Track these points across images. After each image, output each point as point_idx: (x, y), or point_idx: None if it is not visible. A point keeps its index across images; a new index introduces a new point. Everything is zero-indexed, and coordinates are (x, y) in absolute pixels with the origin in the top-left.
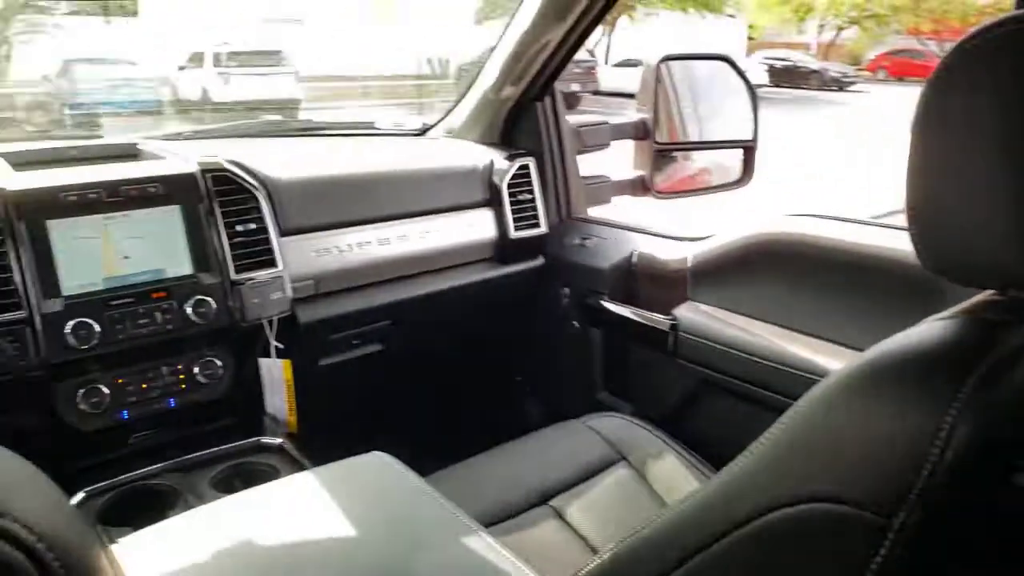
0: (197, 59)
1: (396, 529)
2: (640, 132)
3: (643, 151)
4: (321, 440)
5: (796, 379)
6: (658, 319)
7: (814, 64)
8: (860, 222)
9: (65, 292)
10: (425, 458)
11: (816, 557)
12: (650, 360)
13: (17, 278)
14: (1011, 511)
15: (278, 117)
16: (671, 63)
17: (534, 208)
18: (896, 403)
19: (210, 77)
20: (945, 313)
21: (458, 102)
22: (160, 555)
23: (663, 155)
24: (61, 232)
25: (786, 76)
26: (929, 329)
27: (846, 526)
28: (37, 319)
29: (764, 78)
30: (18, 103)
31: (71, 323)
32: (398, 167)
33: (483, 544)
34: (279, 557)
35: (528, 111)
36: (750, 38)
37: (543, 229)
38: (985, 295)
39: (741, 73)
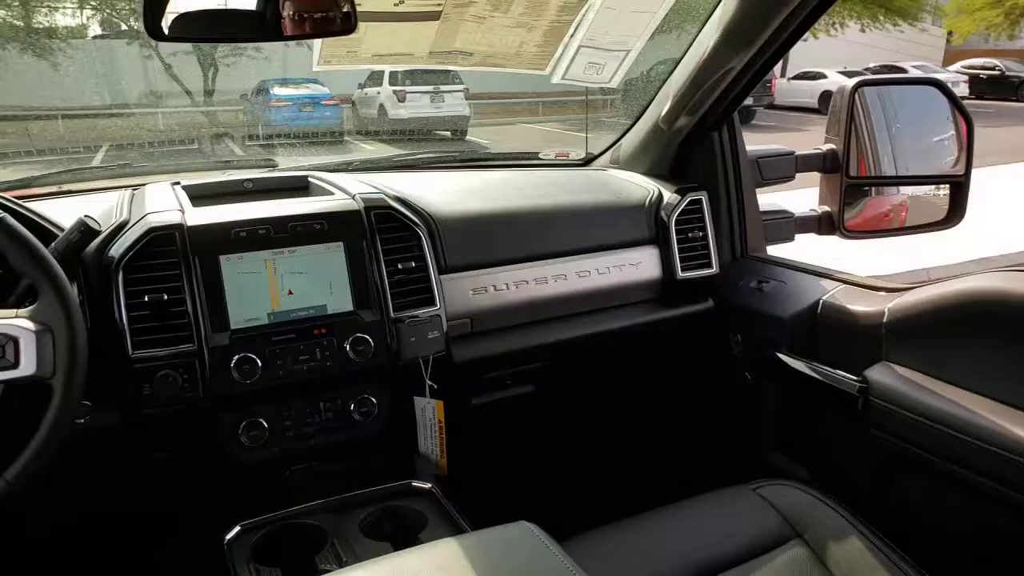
0: (376, 78)
1: None
2: (829, 164)
3: (832, 185)
4: (470, 483)
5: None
6: (846, 379)
7: None
8: None
9: (232, 326)
10: (575, 512)
11: None
12: (834, 425)
13: (190, 312)
14: None
15: (447, 133)
16: (866, 89)
17: (705, 247)
18: None
19: (387, 95)
20: None
21: (626, 132)
22: None
23: (854, 190)
24: (231, 267)
25: (992, 87)
26: None
27: None
28: (206, 352)
29: (964, 90)
30: (212, 123)
31: (236, 357)
32: (559, 202)
33: None
34: None
35: (703, 142)
36: (948, 42)
37: (714, 269)
38: None
39: (954, 99)
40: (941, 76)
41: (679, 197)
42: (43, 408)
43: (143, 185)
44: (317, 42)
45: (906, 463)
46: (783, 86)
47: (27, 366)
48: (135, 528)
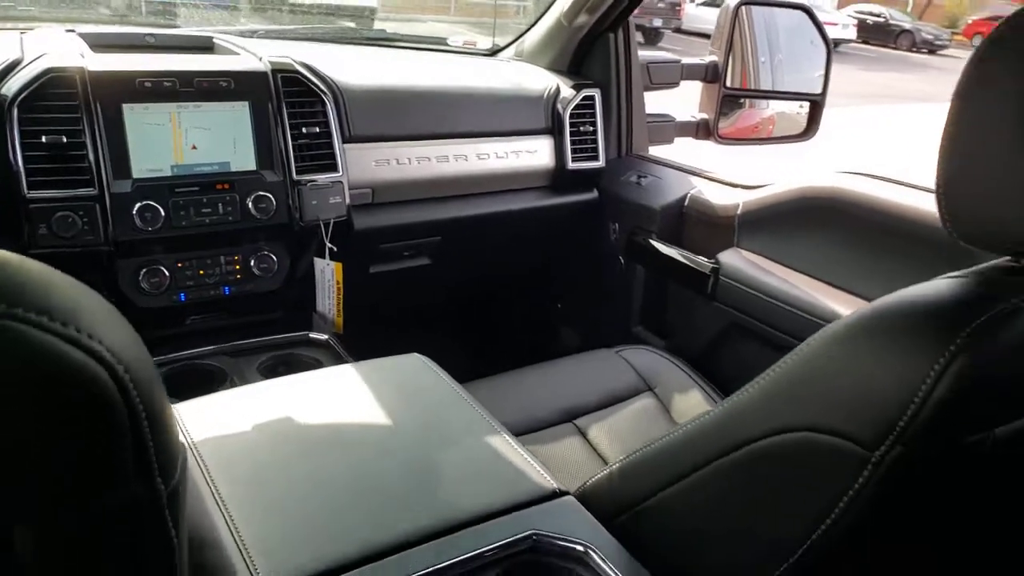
0: None
1: (425, 422)
2: (710, 75)
3: (711, 94)
4: (364, 342)
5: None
6: (702, 262)
7: (907, 23)
8: (909, 185)
9: (135, 175)
10: (461, 369)
11: (802, 481)
12: (688, 300)
13: (91, 157)
14: (982, 467)
15: (351, 24)
16: (750, 7)
17: (594, 141)
18: (895, 347)
19: None
20: (957, 272)
21: (532, 26)
22: (209, 420)
23: (730, 100)
24: (134, 116)
25: (876, 33)
26: (937, 284)
27: (837, 456)
28: (107, 198)
29: (852, 33)
30: None
31: (138, 205)
32: (465, 86)
33: (505, 444)
34: (313, 434)
35: (600, 41)
36: None
37: (600, 163)
38: (1001, 260)
39: (819, 26)
40: (833, 17)
41: (575, 92)
42: None
43: (31, 29)
44: None
45: (742, 330)
46: (691, 11)
47: None
48: None
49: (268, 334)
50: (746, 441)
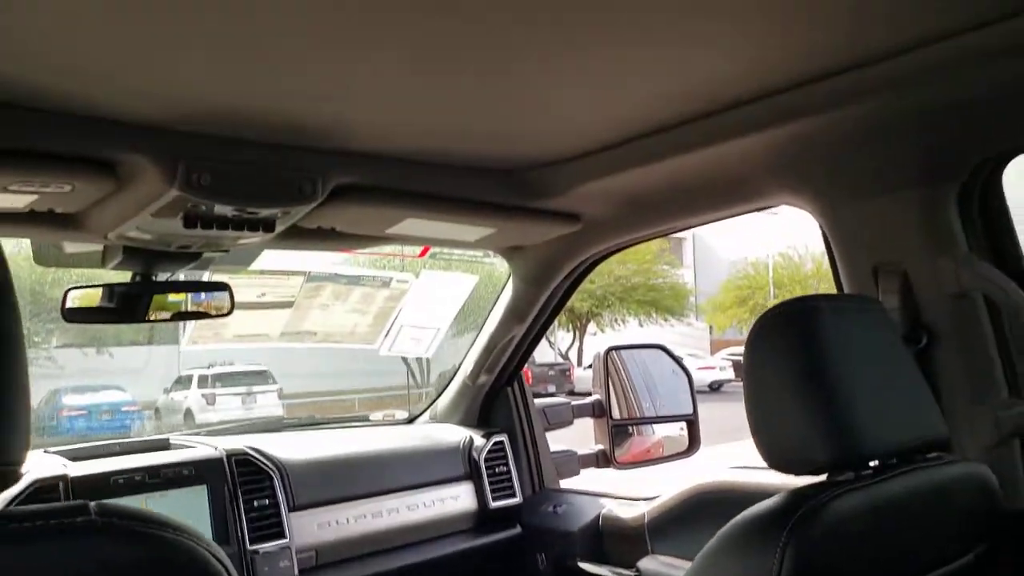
0: (184, 382)
1: None
2: (597, 411)
3: (601, 427)
4: None
5: None
6: (626, 574)
7: None
8: None
9: None
10: None
11: None
12: None
13: None
14: None
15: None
16: (617, 352)
17: (510, 479)
18: (749, 547)
19: (195, 399)
20: (785, 492)
21: (440, 393)
22: None
23: (620, 430)
24: None
25: None
26: (772, 499)
27: None
28: None
29: (730, 374)
30: None
31: None
32: (390, 448)
33: None
34: None
35: (500, 395)
36: (711, 334)
37: (518, 499)
38: (811, 480)
39: (675, 358)
40: (710, 361)
41: (486, 440)
42: None
43: None
44: (189, 325)
45: None
46: (580, 374)
47: None
48: None
49: None
50: None
